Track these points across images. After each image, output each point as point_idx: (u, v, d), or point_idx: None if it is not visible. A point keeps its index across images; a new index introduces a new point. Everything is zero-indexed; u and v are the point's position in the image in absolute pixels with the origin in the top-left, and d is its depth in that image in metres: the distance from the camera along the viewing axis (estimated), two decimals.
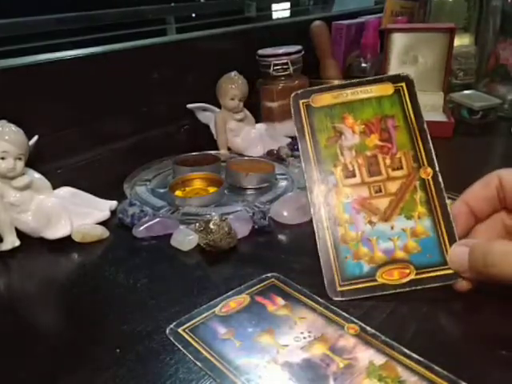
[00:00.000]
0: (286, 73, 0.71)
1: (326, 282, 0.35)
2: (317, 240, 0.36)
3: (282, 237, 0.46)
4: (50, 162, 0.60)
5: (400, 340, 0.31)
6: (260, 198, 0.52)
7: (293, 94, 0.39)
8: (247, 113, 0.66)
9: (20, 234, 0.45)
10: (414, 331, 0.32)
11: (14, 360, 0.32)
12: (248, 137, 0.65)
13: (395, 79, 0.38)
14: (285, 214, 0.48)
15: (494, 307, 0.34)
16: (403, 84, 0.38)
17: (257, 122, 0.67)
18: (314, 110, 0.38)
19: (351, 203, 0.36)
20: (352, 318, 0.33)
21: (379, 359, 0.29)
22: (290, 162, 0.60)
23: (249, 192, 0.55)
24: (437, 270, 0.34)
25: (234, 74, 0.64)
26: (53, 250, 0.45)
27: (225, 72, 0.64)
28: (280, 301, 0.35)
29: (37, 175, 0.47)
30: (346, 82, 0.39)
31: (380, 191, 0.36)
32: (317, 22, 0.95)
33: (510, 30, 0.79)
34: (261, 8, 1.16)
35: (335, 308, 0.34)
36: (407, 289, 0.34)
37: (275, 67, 0.71)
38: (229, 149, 0.65)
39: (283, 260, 0.41)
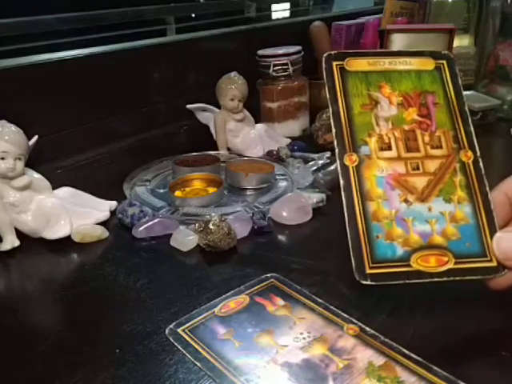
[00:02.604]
0: (286, 73, 0.71)
1: (353, 263, 0.32)
2: (345, 214, 0.33)
3: (281, 237, 0.46)
4: (50, 162, 0.60)
5: (399, 340, 0.31)
6: (260, 198, 0.52)
7: (325, 54, 0.36)
8: (247, 113, 0.66)
9: (20, 234, 0.45)
10: (413, 331, 0.32)
11: (14, 360, 0.32)
12: (248, 137, 0.65)
13: (436, 56, 0.37)
14: (284, 214, 0.48)
15: (494, 307, 0.34)
16: (444, 62, 0.37)
17: (256, 122, 0.67)
18: (349, 73, 0.36)
19: (385, 178, 0.34)
20: (351, 319, 0.33)
21: (378, 360, 0.29)
22: (290, 163, 0.60)
23: (248, 192, 0.55)
24: (477, 262, 0.32)
25: (233, 74, 0.64)
26: (52, 250, 0.45)
27: (225, 72, 0.64)
28: (279, 301, 0.35)
29: (37, 175, 0.47)
30: (384, 50, 0.37)
31: (417, 169, 0.34)
32: (316, 23, 0.95)
33: (509, 31, 0.79)
34: (261, 8, 1.16)
35: (335, 308, 0.34)
36: (445, 278, 0.31)
37: (275, 68, 0.71)
38: (228, 149, 0.66)
39: (283, 260, 0.41)
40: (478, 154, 0.35)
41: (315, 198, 0.49)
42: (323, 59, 0.36)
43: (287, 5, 1.30)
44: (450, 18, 0.86)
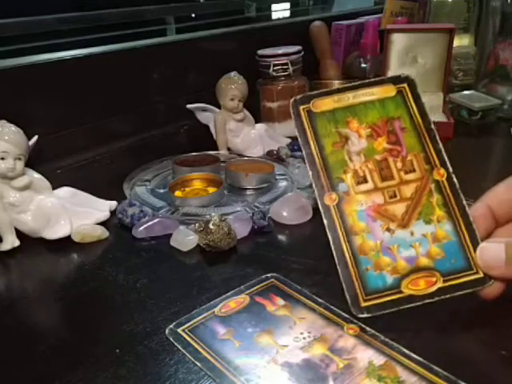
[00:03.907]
0: (286, 73, 0.71)
1: (348, 299, 0.33)
2: (333, 253, 0.34)
3: (281, 237, 0.46)
4: (50, 162, 0.60)
5: (400, 340, 0.31)
6: (260, 198, 0.52)
7: (292, 100, 0.37)
8: (247, 113, 0.66)
9: (20, 234, 0.45)
10: (413, 331, 0.32)
11: (14, 360, 0.32)
12: (248, 137, 0.65)
13: (396, 80, 0.37)
14: (284, 214, 0.48)
15: (494, 307, 0.34)
16: (405, 85, 0.37)
17: (256, 122, 0.67)
18: (316, 115, 0.37)
19: (365, 211, 0.35)
20: (351, 319, 0.33)
21: (379, 359, 0.29)
22: (290, 163, 0.60)
23: (248, 192, 0.55)
24: (464, 276, 0.33)
25: (233, 74, 0.64)
26: (52, 250, 0.45)
27: (225, 72, 0.64)
28: (279, 301, 0.35)
29: (37, 175, 0.47)
30: (346, 85, 0.38)
31: (395, 196, 0.35)
32: (316, 23, 0.95)
33: (509, 30, 0.79)
34: (261, 8, 1.17)
35: (335, 308, 0.34)
36: (436, 298, 0.32)
37: (275, 67, 0.71)
38: (228, 149, 0.65)
39: (283, 260, 0.41)
40: (451, 169, 0.35)
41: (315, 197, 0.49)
42: (290, 105, 0.37)
43: (287, 5, 1.31)
44: (450, 17, 0.86)
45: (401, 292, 0.33)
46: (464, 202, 0.34)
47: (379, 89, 0.37)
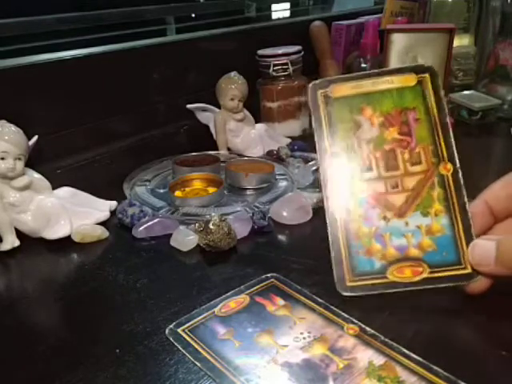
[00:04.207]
0: (286, 73, 0.71)
1: (335, 277, 0.34)
2: (328, 234, 0.35)
3: (281, 237, 0.46)
4: (50, 162, 0.60)
5: (399, 340, 0.31)
6: (260, 198, 0.52)
7: (311, 84, 0.37)
8: (247, 113, 0.66)
9: (20, 234, 0.45)
10: (413, 331, 0.32)
11: (14, 360, 0.32)
12: (248, 137, 0.65)
13: (419, 69, 0.37)
14: (284, 214, 0.48)
15: (494, 307, 0.34)
16: (427, 75, 0.37)
17: (256, 122, 0.67)
18: (333, 100, 0.37)
19: (366, 198, 0.35)
20: (351, 319, 0.33)
21: (379, 359, 0.29)
22: (290, 163, 0.60)
23: (248, 192, 0.55)
24: (451, 270, 0.33)
25: (233, 74, 0.64)
26: (52, 250, 0.45)
27: (225, 72, 0.64)
28: (279, 301, 0.35)
29: (37, 175, 0.47)
30: (367, 71, 0.37)
31: (396, 187, 0.35)
32: (316, 23, 0.95)
33: (509, 30, 0.79)
34: (261, 8, 1.17)
35: (335, 308, 0.34)
36: (419, 287, 0.33)
37: (275, 67, 0.71)
38: (228, 149, 0.65)
39: (283, 260, 0.41)
40: (458, 165, 0.35)
41: (315, 197, 0.49)
42: (309, 88, 0.38)
43: (287, 5, 1.30)
44: (450, 17, 0.86)
45: (386, 277, 0.34)
46: (465, 199, 0.34)
47: (399, 78, 0.37)
